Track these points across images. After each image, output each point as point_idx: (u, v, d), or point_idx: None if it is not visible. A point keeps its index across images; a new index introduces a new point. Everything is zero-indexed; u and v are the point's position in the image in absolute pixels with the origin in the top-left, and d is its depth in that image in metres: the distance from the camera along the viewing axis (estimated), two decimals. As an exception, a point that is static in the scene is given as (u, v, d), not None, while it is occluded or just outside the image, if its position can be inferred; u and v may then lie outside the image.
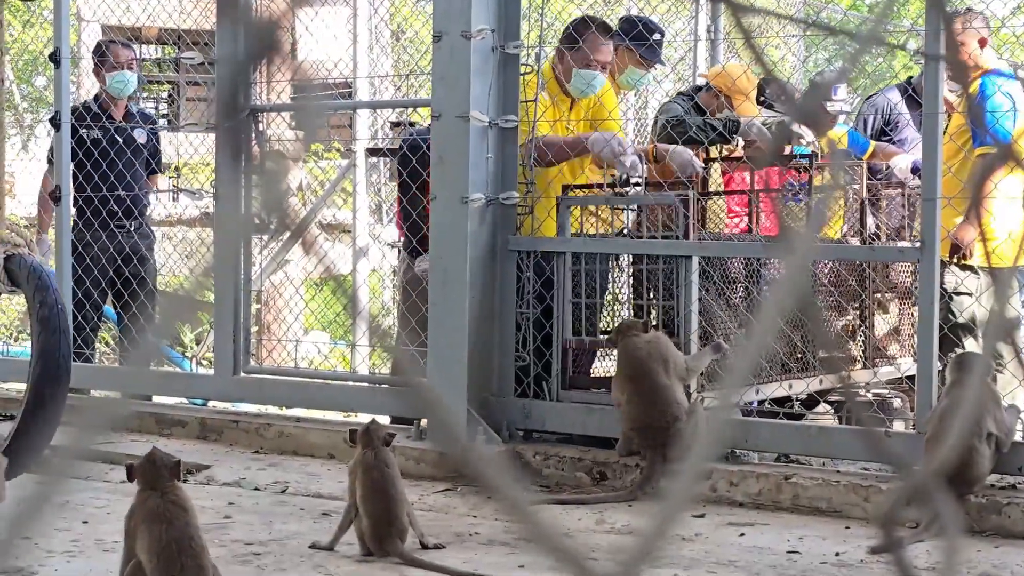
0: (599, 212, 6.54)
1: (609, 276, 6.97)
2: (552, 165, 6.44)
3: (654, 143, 6.69)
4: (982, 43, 7.09)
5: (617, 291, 7.25)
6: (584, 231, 6.48)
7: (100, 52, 8.35)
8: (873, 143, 8.21)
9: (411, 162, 6.79)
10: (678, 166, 6.50)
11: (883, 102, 8.51)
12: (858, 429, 5.60)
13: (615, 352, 5.91)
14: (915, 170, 7.51)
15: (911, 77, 8.69)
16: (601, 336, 6.62)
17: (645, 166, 6.44)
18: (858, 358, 7.22)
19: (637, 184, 6.32)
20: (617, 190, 6.37)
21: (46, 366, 5.49)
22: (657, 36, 7.14)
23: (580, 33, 6.57)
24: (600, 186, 6.50)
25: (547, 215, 6.44)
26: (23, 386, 8.16)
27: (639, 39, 6.99)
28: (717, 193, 7.07)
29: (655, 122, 7.39)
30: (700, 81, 8.08)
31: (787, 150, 7.23)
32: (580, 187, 6.57)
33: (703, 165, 6.53)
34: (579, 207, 6.45)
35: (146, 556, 3.69)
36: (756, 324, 1.02)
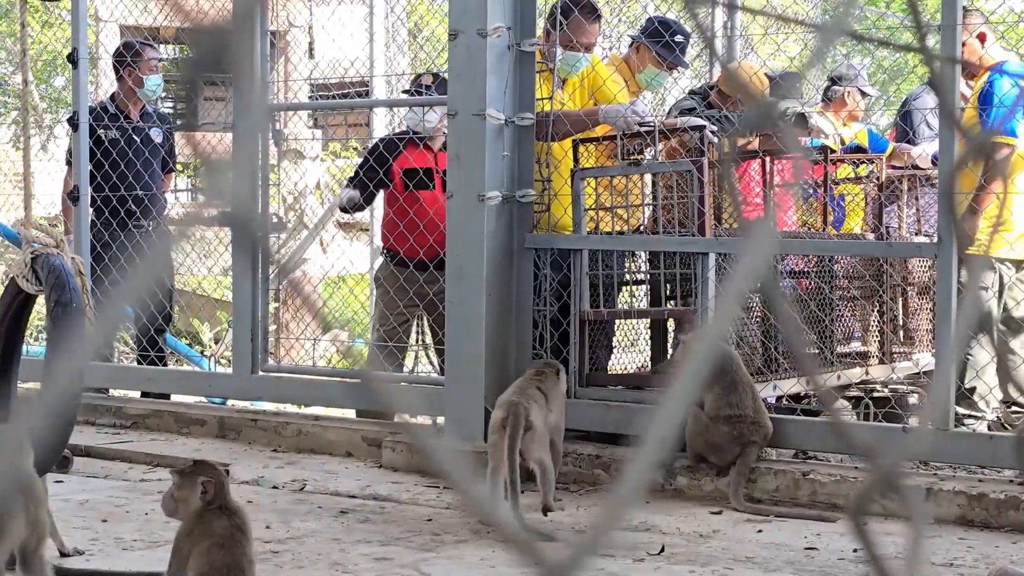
0: (614, 186, 6.49)
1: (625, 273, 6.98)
2: (569, 135, 6.46)
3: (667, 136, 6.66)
4: (982, 38, 7.05)
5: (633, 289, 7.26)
6: (600, 229, 6.48)
7: (119, 54, 8.38)
8: (892, 143, 8.18)
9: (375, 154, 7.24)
10: (611, 122, 6.44)
11: (922, 103, 8.44)
12: (828, 421, 5.61)
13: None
14: (935, 160, 7.48)
15: None
16: (619, 308, 6.64)
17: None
18: (874, 353, 7.21)
19: (648, 131, 6.30)
20: (632, 158, 6.37)
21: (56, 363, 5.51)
22: (679, 38, 7.08)
23: (566, 14, 6.60)
24: (610, 138, 6.47)
25: (564, 213, 6.45)
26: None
27: (658, 38, 6.97)
28: (731, 159, 7.05)
29: (668, 116, 7.37)
30: (716, 78, 8.06)
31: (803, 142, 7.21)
32: (591, 140, 6.56)
33: (640, 119, 6.42)
34: (594, 179, 6.42)
35: None
36: (711, 320, 1.03)
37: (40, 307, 5.79)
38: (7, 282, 6.68)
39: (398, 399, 0.97)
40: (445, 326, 6.34)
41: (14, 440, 3.66)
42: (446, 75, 6.55)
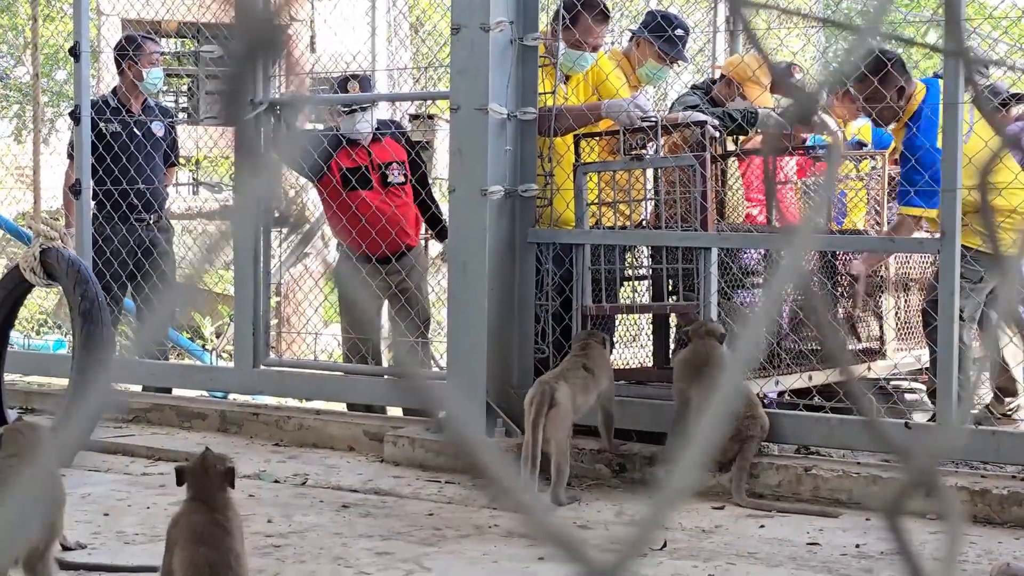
0: (616, 180, 6.48)
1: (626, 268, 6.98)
2: (571, 131, 6.46)
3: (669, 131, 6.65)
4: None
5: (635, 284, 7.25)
6: (603, 224, 6.48)
7: (121, 47, 8.37)
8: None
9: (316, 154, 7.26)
10: (614, 117, 6.43)
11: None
12: (860, 419, 5.60)
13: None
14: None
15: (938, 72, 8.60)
16: (621, 303, 6.66)
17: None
18: (877, 348, 7.20)
19: (651, 126, 6.28)
20: (634, 153, 6.36)
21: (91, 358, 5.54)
22: (680, 32, 7.06)
23: (572, 12, 6.59)
24: (611, 132, 6.46)
25: (566, 207, 6.45)
26: (45, 379, 8.21)
27: (659, 32, 6.96)
28: (735, 154, 7.06)
29: (670, 111, 7.36)
30: (717, 74, 8.03)
31: (806, 139, 7.21)
32: (593, 135, 6.55)
33: (643, 114, 6.39)
34: (596, 174, 6.42)
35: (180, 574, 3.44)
36: (755, 315, 1.02)
37: (41, 301, 5.78)
38: (7, 271, 6.69)
39: (438, 396, 0.96)
40: (447, 320, 6.35)
41: (52, 441, 3.64)
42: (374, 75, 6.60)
